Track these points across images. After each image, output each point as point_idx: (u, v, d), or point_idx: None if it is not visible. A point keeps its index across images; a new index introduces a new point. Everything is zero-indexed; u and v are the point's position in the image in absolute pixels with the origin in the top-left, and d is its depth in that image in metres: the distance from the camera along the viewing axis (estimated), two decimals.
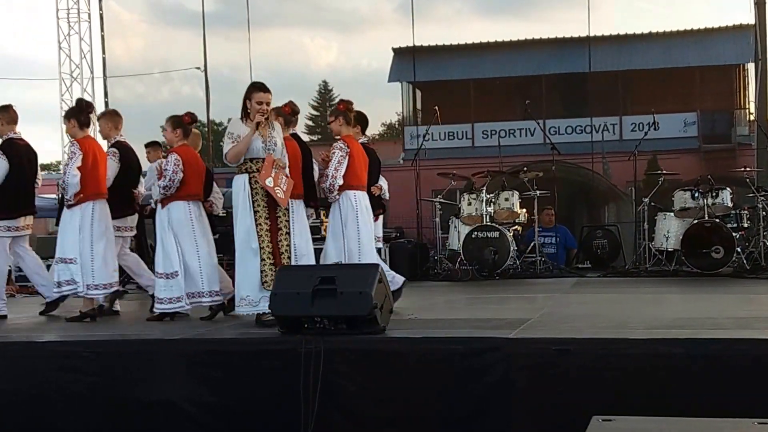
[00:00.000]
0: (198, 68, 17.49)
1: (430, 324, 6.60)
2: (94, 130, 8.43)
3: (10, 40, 67.84)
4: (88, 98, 17.19)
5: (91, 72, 17.38)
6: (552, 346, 5.23)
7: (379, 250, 8.65)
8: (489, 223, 11.15)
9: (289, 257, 6.65)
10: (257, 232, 6.59)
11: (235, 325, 6.88)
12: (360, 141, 7.88)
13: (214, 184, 8.40)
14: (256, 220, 6.60)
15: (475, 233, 11.08)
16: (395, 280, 7.52)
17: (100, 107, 17.07)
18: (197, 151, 8.06)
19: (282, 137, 6.84)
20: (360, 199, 7.27)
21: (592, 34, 21.04)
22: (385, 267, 7.47)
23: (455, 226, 11.71)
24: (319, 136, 43.83)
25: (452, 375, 5.30)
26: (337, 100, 43.08)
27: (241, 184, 6.68)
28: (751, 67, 23.62)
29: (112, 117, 8.33)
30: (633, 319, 6.48)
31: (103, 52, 16.72)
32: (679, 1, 37.70)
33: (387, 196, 8.95)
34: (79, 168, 7.40)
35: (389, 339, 5.68)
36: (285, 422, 5.45)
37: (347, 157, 7.17)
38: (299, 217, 6.87)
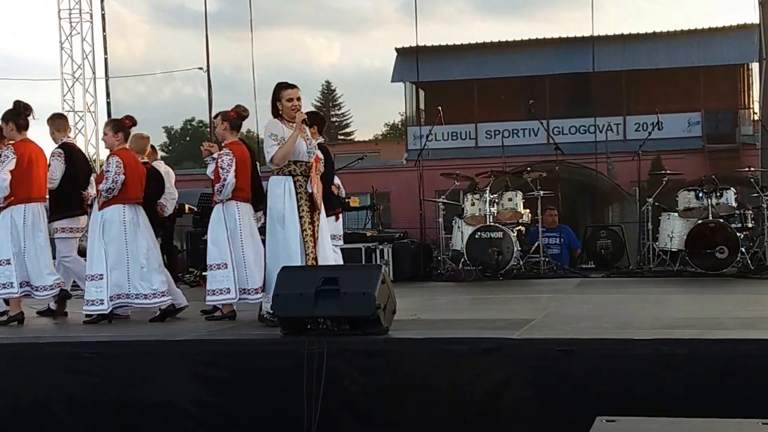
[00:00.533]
0: (200, 68, 17.48)
1: (434, 324, 6.59)
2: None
3: (11, 41, 68.00)
4: (90, 99, 17.22)
5: (93, 72, 17.37)
6: (556, 346, 5.21)
7: (341, 249, 8.70)
8: (492, 224, 11.13)
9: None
10: (303, 237, 6.55)
11: (237, 326, 6.88)
12: (317, 141, 7.93)
13: (167, 186, 8.45)
14: (301, 225, 6.55)
15: (479, 233, 11.07)
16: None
17: (102, 108, 17.11)
18: (145, 154, 8.28)
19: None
20: None
21: (595, 34, 21.03)
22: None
23: (458, 227, 11.69)
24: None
25: (456, 376, 5.29)
26: (340, 100, 42.71)
27: (284, 187, 6.58)
28: (755, 66, 23.64)
29: (53, 121, 8.32)
30: (637, 320, 6.47)
31: (105, 53, 16.67)
32: (683, 0, 37.70)
33: (344, 193, 9.04)
34: (11, 171, 7.36)
35: (392, 339, 5.67)
36: (288, 423, 5.43)
37: None
38: None
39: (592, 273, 11.63)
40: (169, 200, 8.37)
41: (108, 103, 16.61)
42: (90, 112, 17.32)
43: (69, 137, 8.22)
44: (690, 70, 25.01)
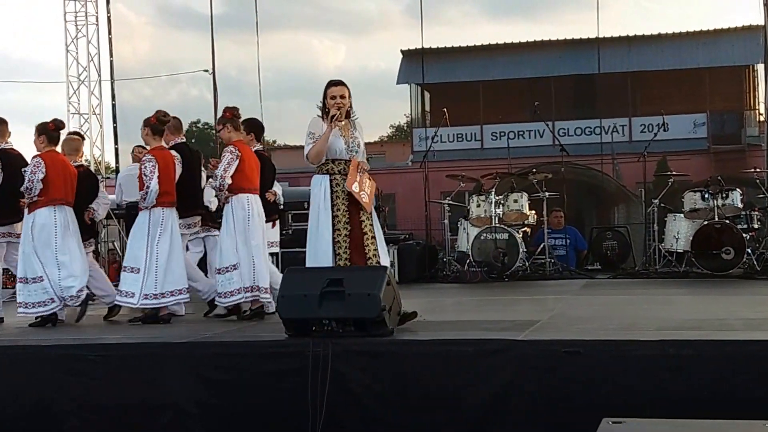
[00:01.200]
0: (206, 71, 17.48)
1: (439, 326, 6.57)
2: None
3: (17, 44, 68.22)
4: (95, 102, 17.22)
5: (99, 75, 17.36)
6: (561, 347, 5.20)
7: (274, 255, 8.91)
8: (498, 225, 11.12)
9: (378, 261, 6.43)
10: (334, 237, 6.42)
11: (242, 327, 6.88)
12: (255, 148, 8.05)
13: (101, 190, 8.49)
14: (334, 225, 6.42)
15: (484, 235, 11.06)
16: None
17: (108, 110, 17.11)
18: (79, 156, 8.38)
19: (363, 137, 6.70)
20: (252, 202, 7.40)
21: (601, 36, 20.98)
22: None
23: (464, 228, 11.68)
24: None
25: (461, 377, 5.28)
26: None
27: (320, 185, 6.52)
28: (760, 68, 23.54)
29: None
30: (643, 321, 6.45)
31: (111, 55, 16.67)
32: (689, 2, 37.61)
33: (282, 201, 8.99)
34: None
35: (398, 341, 5.66)
36: (293, 425, 5.42)
37: (237, 160, 7.29)
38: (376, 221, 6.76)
39: (598, 274, 11.61)
40: (101, 204, 8.37)
41: (113, 106, 16.58)
42: (95, 114, 17.33)
43: (8, 143, 8.22)
44: (695, 71, 24.98)
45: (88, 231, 8.18)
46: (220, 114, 7.85)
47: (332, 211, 6.42)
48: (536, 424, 5.12)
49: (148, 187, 7.28)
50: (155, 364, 5.75)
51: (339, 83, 6.60)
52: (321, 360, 5.41)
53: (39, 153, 7.57)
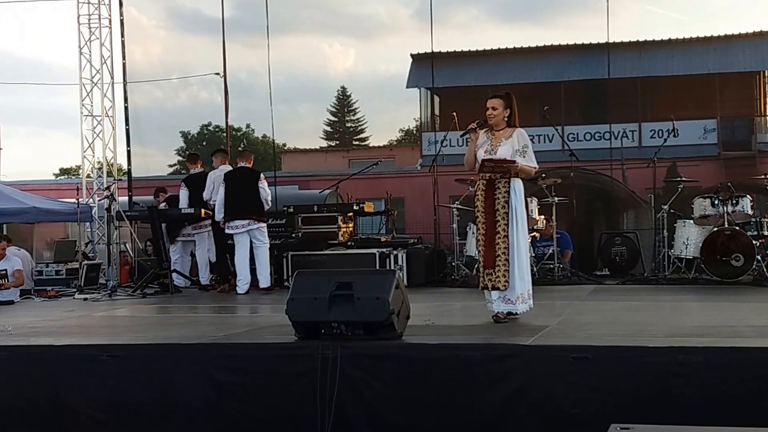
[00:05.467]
0: (217, 74, 17.49)
1: (447, 330, 6.59)
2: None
3: (32, 47, 68.54)
4: (108, 104, 17.27)
5: (111, 77, 17.38)
6: (570, 353, 5.21)
7: None
8: None
9: (507, 259, 6.75)
10: (476, 237, 6.96)
11: (252, 330, 6.91)
12: None
13: None
14: (477, 225, 6.93)
15: None
16: None
17: (120, 112, 17.18)
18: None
19: (523, 144, 7.02)
20: None
21: (611, 41, 20.96)
22: None
23: (473, 232, 11.67)
24: (337, 142, 43.98)
25: (470, 381, 5.29)
26: (355, 105, 42.88)
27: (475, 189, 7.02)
28: None
29: None
30: (652, 327, 6.45)
31: (123, 58, 16.71)
32: (699, 7, 37.58)
33: None
34: None
35: (406, 345, 5.67)
36: (302, 427, 5.45)
37: None
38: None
39: (607, 280, 11.61)
40: None
41: (126, 108, 16.63)
42: (108, 116, 17.37)
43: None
44: (706, 77, 24.92)
45: None
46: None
47: (475, 212, 6.95)
48: (544, 430, 5.13)
49: None
50: (166, 365, 5.78)
51: (495, 96, 7.12)
52: (330, 362, 5.44)
53: None
